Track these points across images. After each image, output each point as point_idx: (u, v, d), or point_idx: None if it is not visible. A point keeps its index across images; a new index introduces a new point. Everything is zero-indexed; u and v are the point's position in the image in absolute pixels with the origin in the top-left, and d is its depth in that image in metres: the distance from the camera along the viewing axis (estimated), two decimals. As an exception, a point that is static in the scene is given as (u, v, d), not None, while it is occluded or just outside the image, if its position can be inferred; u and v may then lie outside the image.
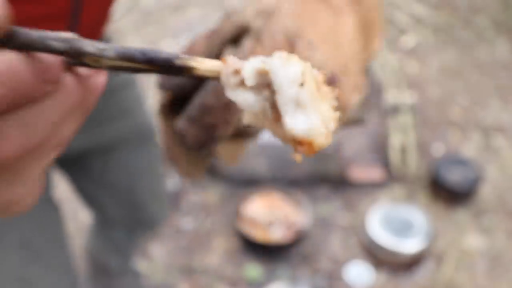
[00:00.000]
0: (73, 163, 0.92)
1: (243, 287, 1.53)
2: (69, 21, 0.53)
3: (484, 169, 1.83)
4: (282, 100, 0.24)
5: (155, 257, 1.59)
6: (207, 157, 0.50)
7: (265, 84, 0.25)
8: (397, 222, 1.58)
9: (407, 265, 1.56)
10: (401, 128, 1.89)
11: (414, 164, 1.82)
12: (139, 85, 0.95)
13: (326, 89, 0.25)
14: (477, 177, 1.71)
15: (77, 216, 1.62)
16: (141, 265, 1.52)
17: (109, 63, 0.23)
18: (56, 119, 0.22)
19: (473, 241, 1.65)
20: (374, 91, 1.98)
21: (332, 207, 1.73)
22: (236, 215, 1.61)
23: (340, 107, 0.43)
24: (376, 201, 1.73)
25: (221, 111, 0.41)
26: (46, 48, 0.22)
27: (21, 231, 0.68)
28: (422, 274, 1.56)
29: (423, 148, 1.90)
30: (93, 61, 0.23)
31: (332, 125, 0.25)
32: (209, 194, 1.75)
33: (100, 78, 0.24)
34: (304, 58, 0.36)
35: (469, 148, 1.92)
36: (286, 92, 0.24)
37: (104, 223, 1.13)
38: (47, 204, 0.75)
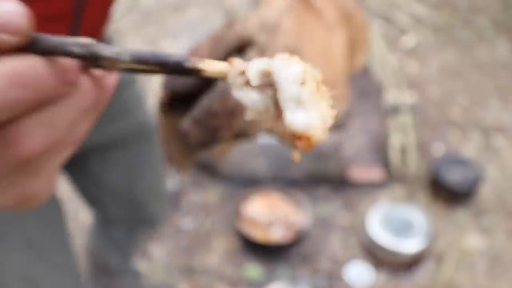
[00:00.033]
0: (74, 162, 0.92)
1: (243, 287, 1.53)
2: (71, 21, 0.53)
3: (484, 169, 1.83)
4: (284, 98, 0.26)
5: (155, 257, 1.59)
6: (200, 151, 0.53)
7: (268, 84, 0.27)
8: (397, 222, 1.58)
9: (407, 265, 1.56)
10: (401, 128, 1.89)
11: (414, 164, 1.82)
12: (139, 84, 0.95)
13: (324, 88, 0.27)
14: (477, 177, 1.71)
15: (77, 215, 1.62)
16: (141, 265, 1.52)
17: (123, 66, 0.25)
18: (74, 118, 0.24)
19: (473, 241, 1.65)
20: (374, 91, 1.98)
21: (332, 207, 1.73)
22: (236, 215, 1.61)
23: None
24: (376, 201, 1.73)
25: (225, 116, 0.44)
26: (66, 53, 0.24)
27: (24, 229, 0.68)
28: (422, 274, 1.57)
29: (423, 148, 1.90)
30: (109, 64, 0.25)
31: (330, 121, 0.26)
32: (209, 194, 1.75)
33: (111, 79, 0.26)
34: None
35: (469, 148, 1.92)
36: (287, 90, 0.26)
37: (104, 222, 1.14)
38: (50, 203, 0.75)
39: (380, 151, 1.81)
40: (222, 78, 0.27)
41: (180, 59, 0.26)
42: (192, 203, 1.73)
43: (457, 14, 2.59)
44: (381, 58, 2.19)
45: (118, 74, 0.27)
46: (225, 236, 1.64)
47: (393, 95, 2.00)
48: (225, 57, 0.49)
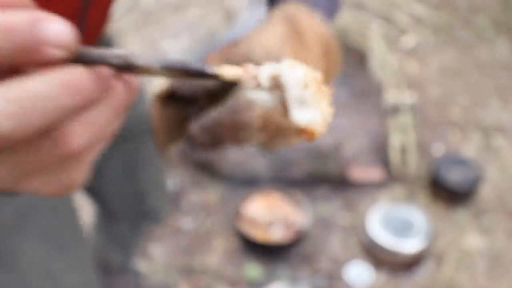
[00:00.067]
0: None
1: (243, 287, 1.53)
2: (78, 21, 0.54)
3: (484, 169, 1.83)
4: (290, 98, 0.31)
5: (155, 257, 1.59)
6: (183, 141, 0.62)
7: (276, 86, 0.31)
8: (397, 222, 1.58)
9: (407, 265, 1.56)
10: (401, 128, 1.89)
11: (414, 164, 1.82)
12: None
13: (324, 88, 0.32)
14: (477, 177, 1.71)
15: (79, 213, 1.62)
16: (141, 265, 1.52)
17: (154, 72, 0.29)
18: (110, 117, 0.28)
19: (473, 241, 1.65)
20: (374, 91, 1.98)
21: (332, 207, 1.73)
22: (236, 215, 1.61)
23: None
24: (376, 201, 1.73)
25: (232, 129, 0.50)
26: (106, 63, 0.28)
27: (40, 221, 0.69)
28: (422, 274, 1.57)
29: (423, 148, 1.90)
30: (142, 72, 0.29)
31: (329, 117, 0.31)
32: (209, 194, 1.75)
33: (137, 80, 0.30)
34: None
35: (469, 148, 1.92)
36: (293, 92, 0.30)
37: (107, 217, 1.15)
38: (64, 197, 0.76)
39: (380, 151, 1.81)
40: (237, 81, 0.31)
41: (202, 67, 0.30)
42: (192, 203, 1.73)
43: (457, 14, 2.59)
44: (381, 58, 2.19)
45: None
46: (225, 236, 1.64)
47: (393, 95, 2.00)
48: None
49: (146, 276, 1.52)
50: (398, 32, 2.45)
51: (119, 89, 0.29)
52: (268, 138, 0.48)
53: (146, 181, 1.05)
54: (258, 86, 0.31)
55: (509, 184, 1.81)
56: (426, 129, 1.98)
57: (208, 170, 1.79)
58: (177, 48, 2.33)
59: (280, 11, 0.55)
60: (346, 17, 2.39)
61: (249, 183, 1.72)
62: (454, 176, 1.71)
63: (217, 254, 1.60)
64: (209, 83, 0.52)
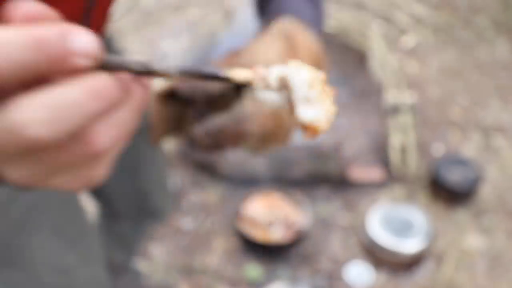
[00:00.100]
0: None
1: (243, 287, 1.53)
2: (80, 23, 0.54)
3: (484, 169, 1.83)
4: (296, 98, 0.33)
5: (155, 257, 1.59)
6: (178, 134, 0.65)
7: (284, 86, 0.34)
8: (397, 222, 1.58)
9: (407, 265, 1.56)
10: (401, 128, 1.89)
11: (414, 164, 1.82)
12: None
13: (328, 88, 0.34)
14: (477, 177, 1.71)
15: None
16: (141, 265, 1.52)
17: (171, 77, 0.32)
18: (130, 117, 0.30)
19: (473, 241, 1.65)
20: (374, 91, 1.98)
21: (332, 207, 1.73)
22: (236, 215, 1.61)
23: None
24: (376, 201, 1.73)
25: (234, 136, 0.54)
26: (127, 70, 0.30)
27: (51, 216, 0.70)
28: (422, 274, 1.57)
29: (423, 148, 1.90)
30: (160, 76, 0.31)
31: (332, 115, 0.34)
32: (209, 194, 1.75)
33: (150, 81, 0.32)
34: None
35: (469, 148, 1.92)
36: (299, 92, 0.33)
37: (109, 217, 1.15)
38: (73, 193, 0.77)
39: (380, 151, 1.81)
40: (248, 83, 0.34)
41: (216, 71, 0.33)
42: (192, 203, 1.73)
43: (457, 14, 2.60)
44: (381, 58, 2.19)
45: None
46: (225, 236, 1.64)
47: (393, 95, 2.00)
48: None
49: (147, 276, 1.52)
50: (398, 32, 2.45)
51: (137, 91, 0.31)
52: (261, 144, 0.52)
53: (149, 180, 1.06)
54: (267, 86, 0.34)
55: (509, 184, 1.81)
56: (426, 129, 1.98)
57: (208, 170, 1.79)
58: (177, 48, 2.33)
59: (278, 25, 0.59)
60: (346, 17, 2.39)
61: (249, 183, 1.72)
62: (454, 176, 1.71)
63: (217, 254, 1.60)
64: (208, 87, 0.55)
